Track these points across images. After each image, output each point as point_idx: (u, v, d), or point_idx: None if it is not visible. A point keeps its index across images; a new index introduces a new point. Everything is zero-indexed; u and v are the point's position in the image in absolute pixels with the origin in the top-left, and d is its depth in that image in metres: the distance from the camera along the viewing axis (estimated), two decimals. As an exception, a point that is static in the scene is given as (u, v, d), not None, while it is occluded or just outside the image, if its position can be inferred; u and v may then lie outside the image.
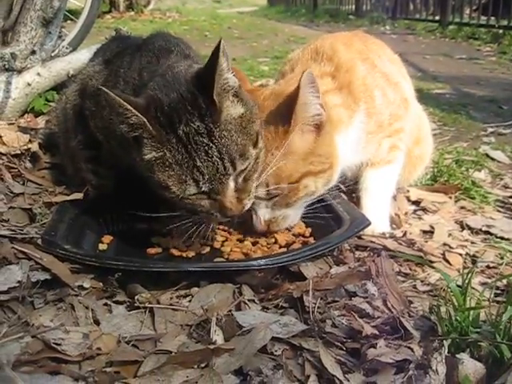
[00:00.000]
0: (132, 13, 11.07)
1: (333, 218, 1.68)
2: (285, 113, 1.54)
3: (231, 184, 1.35)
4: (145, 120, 1.29)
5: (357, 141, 1.75)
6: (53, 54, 2.70)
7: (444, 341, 1.15)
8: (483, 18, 8.30)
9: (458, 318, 1.21)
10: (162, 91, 1.35)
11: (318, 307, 1.29)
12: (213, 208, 1.37)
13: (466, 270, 1.51)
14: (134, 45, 1.73)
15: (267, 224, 1.61)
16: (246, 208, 1.42)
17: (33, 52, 2.58)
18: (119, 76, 1.61)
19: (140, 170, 1.39)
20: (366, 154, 1.83)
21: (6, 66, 2.51)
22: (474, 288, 1.42)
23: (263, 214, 1.60)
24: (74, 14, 4.21)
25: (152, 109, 1.32)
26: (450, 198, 2.15)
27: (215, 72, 1.28)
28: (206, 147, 1.29)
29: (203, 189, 1.32)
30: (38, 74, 2.60)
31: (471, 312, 1.21)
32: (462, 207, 2.09)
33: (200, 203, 1.36)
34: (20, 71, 2.55)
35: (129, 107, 1.28)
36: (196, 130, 1.29)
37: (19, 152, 2.18)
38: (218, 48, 1.27)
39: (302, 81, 1.48)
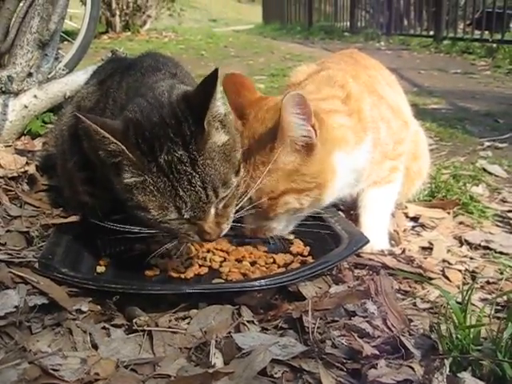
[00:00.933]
0: (128, 33, 11.13)
1: (331, 236, 1.67)
2: (274, 129, 1.56)
3: (212, 211, 1.34)
4: (123, 148, 1.27)
5: (360, 170, 1.76)
6: (49, 76, 2.70)
7: (445, 359, 1.14)
8: (477, 32, 8.37)
9: (458, 335, 1.21)
10: (143, 114, 1.33)
11: (318, 327, 1.28)
12: (191, 231, 1.36)
13: (465, 287, 1.51)
14: (124, 65, 1.74)
15: (253, 230, 1.65)
16: (224, 232, 1.41)
17: (29, 74, 2.58)
18: (109, 96, 1.61)
19: (118, 192, 1.38)
20: (368, 181, 1.84)
21: (3, 89, 2.51)
22: (474, 304, 1.42)
23: (249, 221, 1.63)
24: (71, 35, 4.24)
25: (131, 134, 1.30)
26: (449, 213, 2.15)
27: (210, 101, 1.27)
28: (189, 176, 1.28)
29: (185, 216, 1.31)
30: (35, 97, 2.60)
31: (472, 329, 1.21)
32: (461, 222, 2.09)
33: (179, 226, 1.35)
34: (17, 94, 2.55)
35: (106, 135, 1.26)
36: (179, 158, 1.27)
37: (16, 174, 2.17)
38: (214, 76, 1.26)
39: (285, 102, 1.49)
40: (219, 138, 1.34)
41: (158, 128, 1.29)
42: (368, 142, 1.73)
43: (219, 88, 1.29)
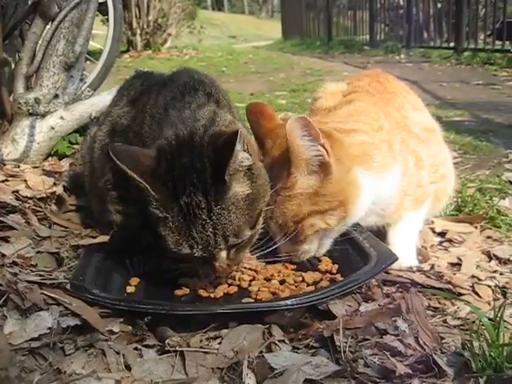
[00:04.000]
0: (149, 51, 11.27)
1: (359, 253, 1.67)
2: (287, 155, 1.58)
3: (223, 254, 1.40)
4: (149, 189, 1.35)
5: (386, 198, 1.77)
6: (75, 97, 2.74)
7: (479, 378, 1.13)
8: (498, 42, 8.32)
9: (492, 353, 1.19)
10: (177, 151, 1.39)
11: (350, 346, 1.28)
12: (203, 265, 1.45)
13: (496, 302, 1.51)
14: (158, 81, 1.78)
15: (289, 256, 1.66)
16: (233, 272, 1.51)
17: (56, 96, 2.63)
18: (145, 112, 1.66)
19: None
20: (395, 217, 1.85)
21: (30, 111, 2.56)
22: (506, 321, 1.40)
23: (283, 248, 1.64)
24: (93, 54, 4.29)
25: (161, 172, 1.37)
26: (476, 227, 2.13)
27: (229, 159, 1.31)
28: (203, 222, 1.34)
29: (196, 254, 1.38)
30: (62, 118, 2.65)
31: (505, 347, 1.19)
32: (488, 237, 2.07)
33: (192, 260, 1.43)
34: (44, 115, 2.60)
35: (135, 176, 1.35)
36: (197, 203, 1.34)
37: (44, 195, 2.20)
38: (234, 138, 1.30)
39: (288, 127, 1.51)
40: (240, 189, 1.39)
41: (186, 170, 1.36)
42: (396, 171, 1.74)
43: (239, 146, 1.32)
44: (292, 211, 1.59)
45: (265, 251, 1.56)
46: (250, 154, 1.39)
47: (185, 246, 1.37)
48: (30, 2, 2.81)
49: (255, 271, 1.63)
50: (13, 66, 2.86)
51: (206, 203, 1.33)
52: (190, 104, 1.55)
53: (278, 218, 1.61)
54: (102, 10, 4.05)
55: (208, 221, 1.34)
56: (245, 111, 1.83)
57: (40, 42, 2.61)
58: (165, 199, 1.36)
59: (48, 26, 2.60)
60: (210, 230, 1.34)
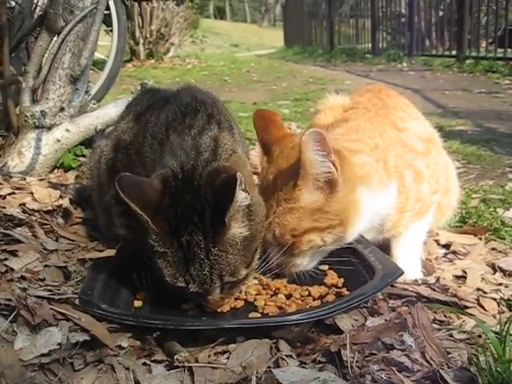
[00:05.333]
0: (152, 60, 11.32)
1: (365, 267, 1.68)
2: (297, 167, 1.58)
3: (217, 291, 1.43)
4: (150, 221, 1.36)
5: (385, 215, 1.77)
6: (80, 110, 2.76)
7: (486, 393, 1.14)
8: (500, 50, 8.34)
9: (498, 368, 1.20)
10: (182, 186, 1.41)
11: (357, 361, 1.29)
12: (197, 297, 1.46)
13: (501, 315, 1.51)
14: (161, 99, 1.79)
15: (278, 266, 1.65)
16: (225, 305, 1.51)
17: (61, 109, 2.64)
18: (147, 131, 1.68)
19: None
20: (393, 232, 1.85)
21: (36, 124, 2.57)
22: (512, 335, 1.41)
23: (274, 257, 1.63)
24: (96, 64, 4.31)
25: (164, 207, 1.38)
26: (480, 239, 2.14)
27: (230, 204, 1.32)
28: (201, 261, 1.36)
29: (191, 290, 1.40)
30: (67, 130, 2.66)
31: (512, 363, 1.20)
32: (493, 248, 2.08)
33: (187, 292, 1.43)
34: (49, 128, 2.61)
35: (135, 208, 1.37)
36: (197, 242, 1.36)
37: (51, 208, 2.21)
38: (234, 182, 1.32)
39: (304, 139, 1.51)
40: (238, 230, 1.41)
41: (188, 209, 1.37)
42: (392, 188, 1.74)
43: (239, 191, 1.33)
44: (291, 224, 1.59)
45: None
46: (248, 192, 1.40)
47: (181, 280, 1.39)
48: (36, 16, 2.84)
49: (261, 285, 1.64)
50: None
51: (205, 244, 1.35)
52: (191, 127, 1.56)
53: (275, 228, 1.60)
54: (106, 20, 4.07)
55: (205, 260, 1.36)
56: (252, 117, 1.84)
57: (46, 55, 2.62)
58: (165, 234, 1.38)
59: (54, 39, 2.62)
60: (207, 269, 1.37)
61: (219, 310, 1.49)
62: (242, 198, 1.37)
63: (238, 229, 1.40)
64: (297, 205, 1.59)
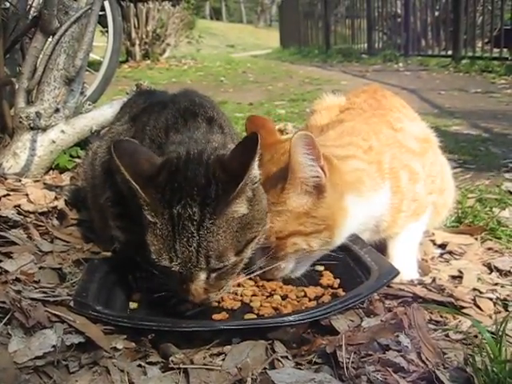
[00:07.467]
0: (148, 61, 11.32)
1: (360, 267, 1.68)
2: (285, 170, 1.58)
3: (202, 276, 1.37)
4: (139, 189, 1.36)
5: (379, 216, 1.77)
6: (76, 111, 2.75)
7: (482, 394, 1.13)
8: (496, 50, 8.37)
9: (494, 369, 1.20)
10: (184, 165, 1.39)
11: (352, 362, 1.28)
12: (179, 286, 1.41)
13: (497, 315, 1.51)
14: (159, 102, 1.78)
15: (262, 269, 1.63)
16: (209, 301, 1.45)
17: (56, 110, 2.63)
18: (145, 133, 1.66)
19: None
20: (390, 232, 1.85)
21: (31, 125, 2.56)
22: (508, 335, 1.40)
23: (258, 259, 1.61)
24: (91, 65, 4.31)
25: (159, 180, 1.37)
26: (476, 239, 2.14)
27: (250, 165, 1.32)
28: (190, 235, 1.32)
29: (174, 268, 1.36)
30: (62, 131, 2.65)
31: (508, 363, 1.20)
32: (489, 248, 2.08)
33: (171, 275, 1.40)
34: (44, 129, 2.61)
35: (125, 173, 1.37)
36: (190, 215, 1.32)
37: (46, 209, 2.20)
38: (254, 142, 1.31)
39: (294, 142, 1.51)
40: (240, 208, 1.38)
41: (187, 182, 1.35)
42: (385, 190, 1.74)
43: (257, 156, 1.32)
44: (277, 227, 1.58)
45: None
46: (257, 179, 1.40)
47: (165, 257, 1.35)
48: (30, 17, 2.83)
49: (257, 286, 1.64)
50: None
51: (200, 216, 1.32)
52: (197, 128, 1.57)
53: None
54: (102, 21, 4.06)
55: (195, 235, 1.32)
56: (245, 122, 1.85)
57: (41, 57, 2.62)
58: (156, 205, 1.35)
59: (49, 41, 2.61)
60: (194, 245, 1.32)
61: (199, 303, 1.43)
62: (255, 171, 1.37)
63: (240, 206, 1.37)
64: (284, 208, 1.59)
